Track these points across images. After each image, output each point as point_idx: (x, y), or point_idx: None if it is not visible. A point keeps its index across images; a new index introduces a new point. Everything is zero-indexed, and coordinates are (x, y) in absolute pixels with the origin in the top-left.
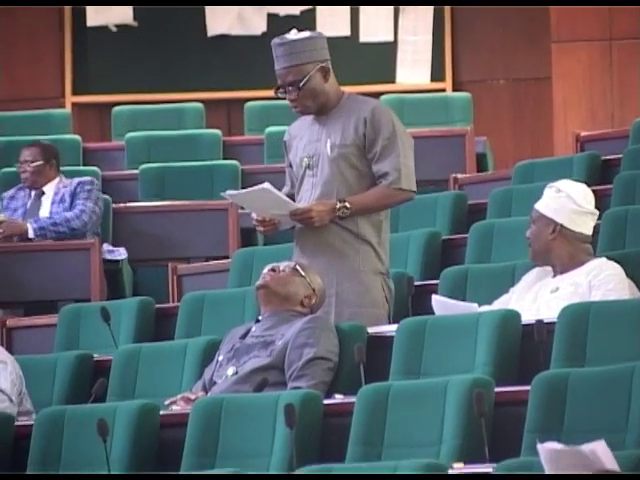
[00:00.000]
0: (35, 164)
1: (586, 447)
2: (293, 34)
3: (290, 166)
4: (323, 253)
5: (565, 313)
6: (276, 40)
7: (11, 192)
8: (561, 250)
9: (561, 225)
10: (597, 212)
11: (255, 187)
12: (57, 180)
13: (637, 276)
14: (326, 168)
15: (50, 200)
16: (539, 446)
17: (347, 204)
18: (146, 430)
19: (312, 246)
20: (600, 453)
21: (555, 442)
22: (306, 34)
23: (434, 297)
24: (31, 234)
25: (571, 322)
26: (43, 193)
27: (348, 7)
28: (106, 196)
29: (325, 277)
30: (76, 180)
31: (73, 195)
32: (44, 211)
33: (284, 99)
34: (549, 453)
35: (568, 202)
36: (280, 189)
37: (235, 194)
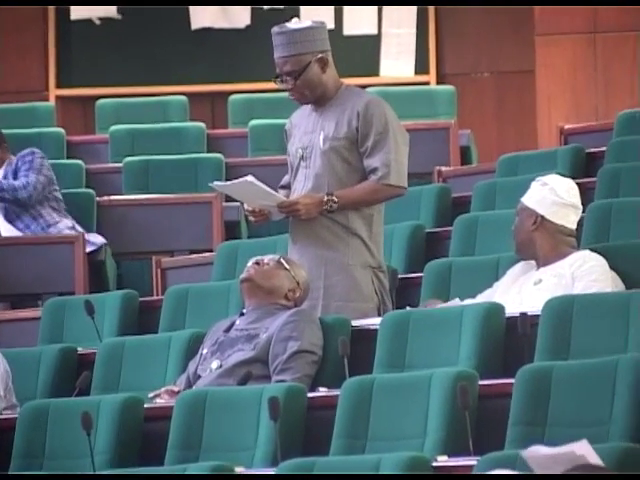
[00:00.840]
0: None
1: (571, 448)
2: (294, 23)
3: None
4: (313, 245)
5: (549, 306)
6: (276, 29)
7: None
8: (543, 241)
9: (542, 216)
10: (580, 206)
11: (240, 179)
12: (6, 162)
13: (620, 269)
14: (318, 160)
15: None
16: (524, 454)
17: (334, 198)
18: (130, 423)
19: (303, 238)
20: (585, 453)
21: (539, 446)
22: (307, 24)
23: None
24: None
25: (555, 315)
26: None
27: None
28: (90, 190)
29: (314, 269)
30: (17, 156)
31: (15, 172)
32: None
33: (284, 90)
34: (535, 460)
35: (550, 194)
36: (265, 182)
37: (222, 185)
